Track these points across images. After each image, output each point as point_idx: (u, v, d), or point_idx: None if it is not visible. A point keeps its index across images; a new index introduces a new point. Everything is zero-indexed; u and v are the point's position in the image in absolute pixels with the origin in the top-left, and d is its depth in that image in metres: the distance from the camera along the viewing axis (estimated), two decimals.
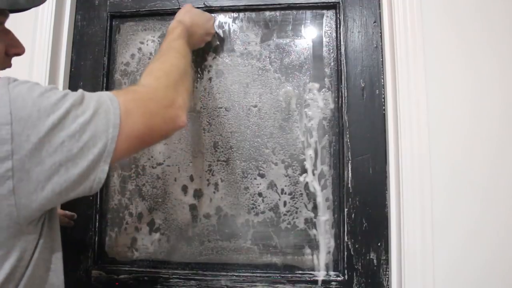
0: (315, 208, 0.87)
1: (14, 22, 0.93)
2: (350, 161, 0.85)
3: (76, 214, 0.92)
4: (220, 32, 0.94)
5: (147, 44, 0.96)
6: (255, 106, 0.92)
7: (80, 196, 0.47)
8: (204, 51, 0.94)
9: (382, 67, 0.86)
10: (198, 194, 0.91)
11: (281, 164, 0.89)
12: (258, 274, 0.86)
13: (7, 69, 0.92)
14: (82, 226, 0.91)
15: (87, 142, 0.46)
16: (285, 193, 0.89)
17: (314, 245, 0.87)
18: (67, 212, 0.88)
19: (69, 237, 0.91)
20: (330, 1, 0.90)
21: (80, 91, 0.49)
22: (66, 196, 0.47)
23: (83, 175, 0.46)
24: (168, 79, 0.60)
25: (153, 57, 0.67)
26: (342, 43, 0.88)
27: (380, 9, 0.88)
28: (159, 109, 0.55)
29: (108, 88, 0.95)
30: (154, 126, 0.54)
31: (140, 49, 0.96)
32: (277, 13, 0.93)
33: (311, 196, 0.88)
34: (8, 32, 0.57)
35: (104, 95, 0.50)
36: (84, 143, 0.45)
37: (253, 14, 0.94)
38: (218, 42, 0.94)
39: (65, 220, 0.86)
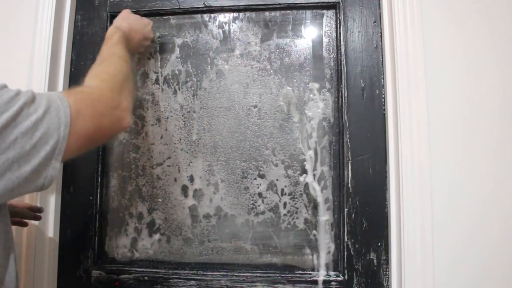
0: (315, 208, 0.87)
1: (14, 22, 0.93)
2: (350, 161, 0.85)
3: (76, 214, 0.92)
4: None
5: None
6: (255, 106, 0.92)
7: (30, 193, 0.48)
8: (203, 52, 0.94)
9: (382, 67, 0.86)
10: (198, 194, 0.91)
11: (281, 165, 0.89)
12: (258, 274, 0.86)
13: (9, 68, 0.92)
14: (82, 226, 0.92)
15: (39, 139, 0.47)
16: (285, 194, 0.89)
17: (314, 245, 0.87)
18: (33, 205, 0.82)
19: (69, 237, 0.92)
20: (330, 1, 0.90)
21: (30, 90, 0.50)
22: (17, 193, 0.47)
23: (35, 171, 0.47)
24: (113, 82, 0.62)
25: (95, 62, 0.70)
26: (342, 43, 0.88)
27: (380, 9, 0.88)
28: (107, 110, 0.57)
29: None
30: (102, 126, 0.56)
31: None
32: (277, 13, 0.93)
33: (311, 197, 0.88)
34: None
35: (54, 94, 0.52)
36: (37, 140, 0.46)
37: (253, 14, 0.94)
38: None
39: (30, 214, 0.80)
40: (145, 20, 0.89)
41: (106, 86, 0.60)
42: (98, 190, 0.93)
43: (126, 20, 0.83)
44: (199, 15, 0.96)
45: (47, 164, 0.48)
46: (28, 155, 0.46)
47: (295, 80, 0.91)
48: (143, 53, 0.95)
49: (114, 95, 0.60)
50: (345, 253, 0.83)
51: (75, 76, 0.95)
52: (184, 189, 0.92)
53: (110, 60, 0.69)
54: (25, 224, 0.81)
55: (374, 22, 0.88)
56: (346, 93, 0.87)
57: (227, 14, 0.95)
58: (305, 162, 0.89)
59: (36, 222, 0.85)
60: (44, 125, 0.47)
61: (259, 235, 0.89)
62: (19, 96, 0.47)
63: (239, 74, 0.93)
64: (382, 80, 0.86)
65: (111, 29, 0.78)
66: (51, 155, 0.48)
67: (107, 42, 0.75)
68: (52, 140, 0.48)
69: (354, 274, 0.83)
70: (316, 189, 0.88)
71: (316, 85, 0.90)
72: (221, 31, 0.95)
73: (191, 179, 0.92)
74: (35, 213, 0.82)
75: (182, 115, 0.93)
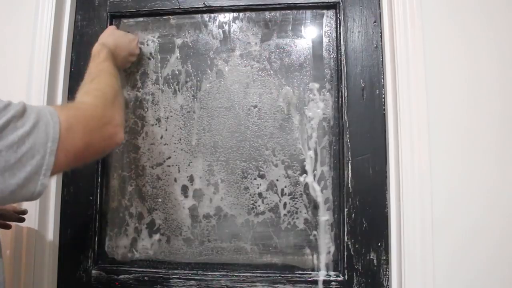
0: (315, 208, 0.87)
1: (15, 22, 0.93)
2: (350, 161, 0.85)
3: (76, 214, 0.92)
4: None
5: (147, 44, 0.96)
6: (255, 107, 0.92)
7: (17, 202, 0.46)
8: (203, 52, 0.94)
9: (382, 67, 0.86)
10: (198, 194, 0.91)
11: (281, 165, 0.89)
12: (258, 274, 0.86)
13: (9, 67, 0.92)
14: (82, 226, 0.92)
15: (25, 153, 0.46)
16: (285, 194, 0.89)
17: (314, 245, 0.87)
18: (17, 207, 0.82)
19: (69, 237, 0.92)
20: (330, 1, 0.90)
21: (21, 102, 0.50)
22: (3, 203, 0.48)
23: (21, 185, 0.47)
24: (105, 98, 0.62)
25: (84, 79, 0.70)
26: (342, 43, 0.88)
27: (380, 9, 0.88)
28: (99, 126, 0.57)
29: None
30: (93, 142, 0.56)
31: (140, 49, 0.96)
32: (277, 13, 0.93)
33: (311, 197, 0.88)
34: None
35: (45, 109, 0.51)
36: (22, 154, 0.46)
37: (253, 14, 0.94)
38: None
39: (14, 216, 0.80)
40: (130, 36, 0.89)
41: (99, 102, 0.61)
42: (98, 190, 0.93)
43: (112, 36, 0.83)
44: (199, 15, 0.96)
45: (35, 179, 0.48)
46: (13, 168, 0.45)
47: (295, 80, 0.91)
48: (143, 54, 0.95)
49: (107, 111, 0.60)
50: (345, 253, 0.83)
51: (75, 76, 0.95)
52: (184, 189, 0.92)
53: (100, 77, 0.69)
54: (8, 227, 0.80)
55: (374, 22, 0.88)
56: (346, 93, 0.87)
57: (227, 14, 0.95)
58: (305, 162, 0.89)
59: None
60: (30, 140, 0.47)
61: (259, 235, 0.89)
62: (8, 108, 0.47)
63: (239, 74, 0.93)
64: (382, 80, 0.86)
65: (97, 46, 0.78)
66: (38, 170, 0.48)
67: (94, 59, 0.75)
68: (38, 155, 0.47)
69: (354, 274, 0.83)
70: (316, 189, 0.88)
71: (316, 85, 0.90)
72: (221, 31, 0.95)
73: (191, 179, 0.92)
74: (19, 215, 0.81)
75: (182, 115, 0.93)
